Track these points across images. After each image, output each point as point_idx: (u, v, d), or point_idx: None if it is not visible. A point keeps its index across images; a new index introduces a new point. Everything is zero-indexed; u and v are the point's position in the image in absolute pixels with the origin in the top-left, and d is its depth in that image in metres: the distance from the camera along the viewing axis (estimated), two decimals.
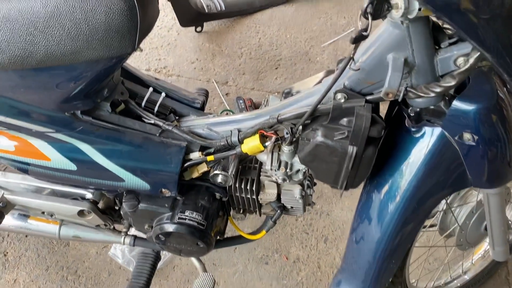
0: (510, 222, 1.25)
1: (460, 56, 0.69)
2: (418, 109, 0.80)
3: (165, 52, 2.02)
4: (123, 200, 1.01)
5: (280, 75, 1.95)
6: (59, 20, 0.72)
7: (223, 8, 2.05)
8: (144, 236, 1.13)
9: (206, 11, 2.01)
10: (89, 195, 1.09)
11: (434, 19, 0.72)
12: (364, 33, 0.62)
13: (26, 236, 1.55)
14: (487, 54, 0.63)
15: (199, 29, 2.06)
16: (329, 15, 2.12)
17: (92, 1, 0.72)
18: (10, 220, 1.16)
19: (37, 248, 1.53)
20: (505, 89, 0.77)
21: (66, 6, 0.71)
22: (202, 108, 1.03)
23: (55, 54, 0.75)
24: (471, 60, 0.68)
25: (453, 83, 0.70)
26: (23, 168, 0.97)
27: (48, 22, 0.72)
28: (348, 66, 0.73)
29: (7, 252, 1.53)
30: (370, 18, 0.61)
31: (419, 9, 0.62)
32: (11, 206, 1.09)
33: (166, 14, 2.11)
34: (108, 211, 1.13)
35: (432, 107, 0.78)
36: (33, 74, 0.79)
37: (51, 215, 1.12)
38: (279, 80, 1.93)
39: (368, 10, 0.61)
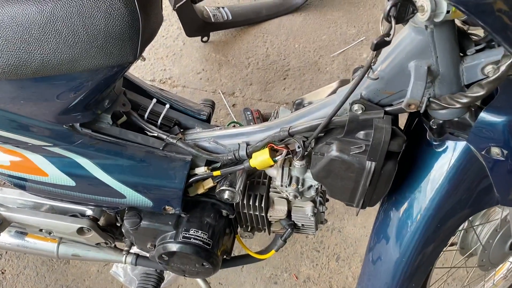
0: None
1: (489, 64, 0.65)
2: (441, 121, 0.75)
3: (170, 62, 1.99)
4: (124, 218, 0.97)
5: (289, 85, 1.91)
6: (56, 27, 0.69)
7: (230, 17, 2.03)
8: (146, 254, 1.09)
9: (213, 20, 1.99)
10: (89, 212, 1.06)
11: (459, 24, 0.67)
12: (387, 38, 0.57)
13: (24, 253, 1.51)
14: None
15: (205, 39, 2.04)
16: (338, 24, 2.09)
17: (91, 6, 0.68)
18: (6, 237, 1.13)
19: (36, 266, 1.49)
20: None
21: (63, 12, 0.68)
22: (208, 120, 1.00)
23: (52, 63, 0.71)
24: (502, 68, 0.63)
25: (482, 93, 0.64)
26: (20, 184, 0.94)
27: (43, 29, 0.69)
28: (366, 74, 0.68)
29: (5, 270, 1.49)
30: (393, 21, 0.56)
31: (447, 12, 0.57)
32: (7, 223, 1.06)
33: (172, 24, 2.09)
34: (109, 229, 1.09)
35: (456, 119, 0.73)
36: (28, 84, 0.76)
37: (49, 233, 1.08)
38: (288, 90, 1.90)
39: (391, 13, 0.56)
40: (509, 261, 1.21)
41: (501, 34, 0.56)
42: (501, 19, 0.55)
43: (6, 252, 1.51)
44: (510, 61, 0.61)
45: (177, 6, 1.77)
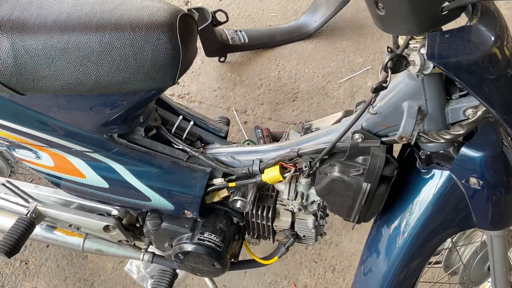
0: None
1: (469, 108, 0.75)
2: (428, 153, 0.85)
3: (189, 79, 2.08)
4: (147, 218, 1.06)
5: (297, 107, 1.99)
6: (111, 55, 0.79)
7: (246, 40, 2.12)
8: (162, 253, 1.17)
9: (231, 42, 2.07)
10: (114, 212, 1.15)
11: None
12: (384, 85, 0.68)
13: (47, 246, 1.60)
14: (492, 109, 0.69)
15: (222, 59, 2.12)
16: (346, 52, 2.18)
17: (141, 39, 0.79)
18: (38, 230, 1.21)
19: (57, 259, 1.57)
20: (509, 138, 0.82)
21: (118, 43, 0.79)
22: (225, 137, 1.09)
23: (104, 84, 0.81)
24: (479, 113, 0.74)
25: (462, 131, 0.76)
26: (58, 183, 1.04)
27: (100, 55, 0.79)
28: (366, 110, 0.79)
29: (28, 261, 1.57)
30: (389, 72, 0.67)
31: (434, 67, 0.68)
32: (42, 217, 1.15)
33: None
34: (131, 228, 1.18)
35: (442, 151, 0.84)
36: (80, 100, 0.87)
37: (78, 228, 1.17)
38: (296, 112, 1.98)
39: (389, 65, 0.67)
40: (489, 281, 1.29)
41: (474, 89, 0.67)
42: (475, 77, 0.66)
43: (30, 244, 1.60)
44: (485, 107, 0.73)
45: (199, 28, 1.89)
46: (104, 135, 0.93)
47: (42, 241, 1.23)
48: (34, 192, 1.18)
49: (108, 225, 1.13)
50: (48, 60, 0.79)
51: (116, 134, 0.94)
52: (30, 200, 1.15)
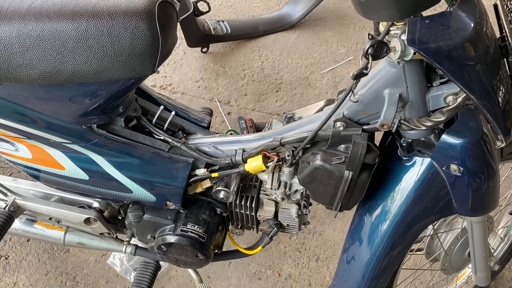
0: (492, 249, 1.31)
1: (450, 95, 0.76)
2: (410, 140, 0.86)
3: (171, 70, 2.07)
4: (129, 210, 1.05)
5: (280, 98, 2.00)
6: (88, 43, 0.77)
7: (229, 31, 2.11)
8: (144, 246, 1.16)
9: (213, 33, 2.06)
10: (95, 204, 1.13)
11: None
12: (365, 71, 0.68)
13: (28, 240, 1.58)
14: (471, 96, 0.70)
15: (205, 49, 2.11)
16: (329, 43, 2.19)
17: (119, 26, 0.77)
18: (17, 224, 1.19)
19: (38, 253, 1.55)
20: (489, 125, 0.83)
21: (95, 30, 0.77)
22: (208, 127, 1.08)
23: (81, 73, 0.80)
24: (459, 99, 0.75)
25: (442, 118, 0.77)
26: (37, 175, 1.02)
27: (77, 43, 0.77)
28: (348, 97, 0.79)
29: (9, 256, 1.56)
30: (370, 58, 0.67)
31: (414, 53, 0.69)
32: (21, 211, 1.13)
33: None
34: (112, 220, 1.17)
35: (423, 139, 0.84)
36: (57, 89, 0.85)
37: (58, 222, 1.16)
38: (279, 102, 1.99)
39: (369, 51, 0.67)
40: (469, 267, 1.32)
41: (454, 75, 0.68)
42: (455, 64, 0.67)
43: (10, 239, 1.57)
44: (465, 94, 0.74)
45: (181, 18, 1.86)
46: (83, 126, 0.92)
47: (22, 235, 1.21)
48: (12, 185, 1.16)
49: (89, 218, 1.12)
50: (23, 48, 0.78)
51: (96, 125, 0.93)
52: (8, 193, 1.13)
